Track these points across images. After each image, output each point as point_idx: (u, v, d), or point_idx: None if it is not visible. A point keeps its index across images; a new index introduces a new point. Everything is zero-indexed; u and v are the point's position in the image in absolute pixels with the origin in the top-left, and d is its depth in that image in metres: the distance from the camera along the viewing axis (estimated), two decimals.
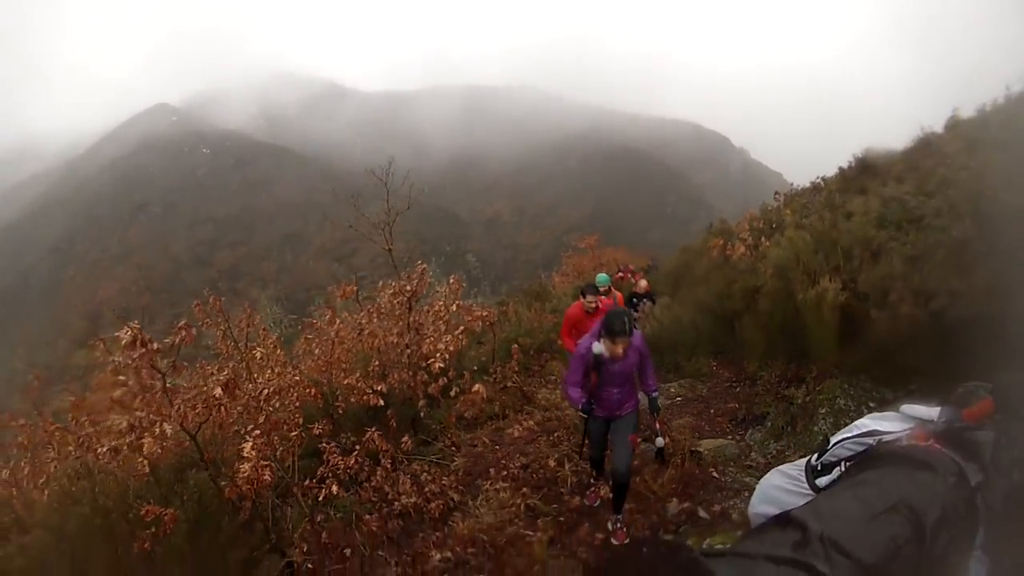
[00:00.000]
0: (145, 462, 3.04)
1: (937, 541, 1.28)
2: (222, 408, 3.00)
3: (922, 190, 4.99)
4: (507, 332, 9.20)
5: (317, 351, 5.57)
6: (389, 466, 4.24)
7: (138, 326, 2.90)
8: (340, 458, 3.72)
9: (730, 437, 5.02)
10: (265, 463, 2.84)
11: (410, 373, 5.32)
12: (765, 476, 1.88)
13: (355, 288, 6.27)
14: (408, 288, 5.56)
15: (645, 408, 4.18)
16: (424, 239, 77.41)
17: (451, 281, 6.56)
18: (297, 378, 4.34)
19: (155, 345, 3.02)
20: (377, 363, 5.28)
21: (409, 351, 5.46)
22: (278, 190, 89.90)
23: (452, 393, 5.31)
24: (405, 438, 4.54)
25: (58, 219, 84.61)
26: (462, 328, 5.79)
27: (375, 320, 5.69)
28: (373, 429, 3.98)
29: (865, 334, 4.36)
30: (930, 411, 1.64)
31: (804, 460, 1.79)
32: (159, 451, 3.09)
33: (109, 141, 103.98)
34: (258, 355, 5.29)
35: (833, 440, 1.73)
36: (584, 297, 5.68)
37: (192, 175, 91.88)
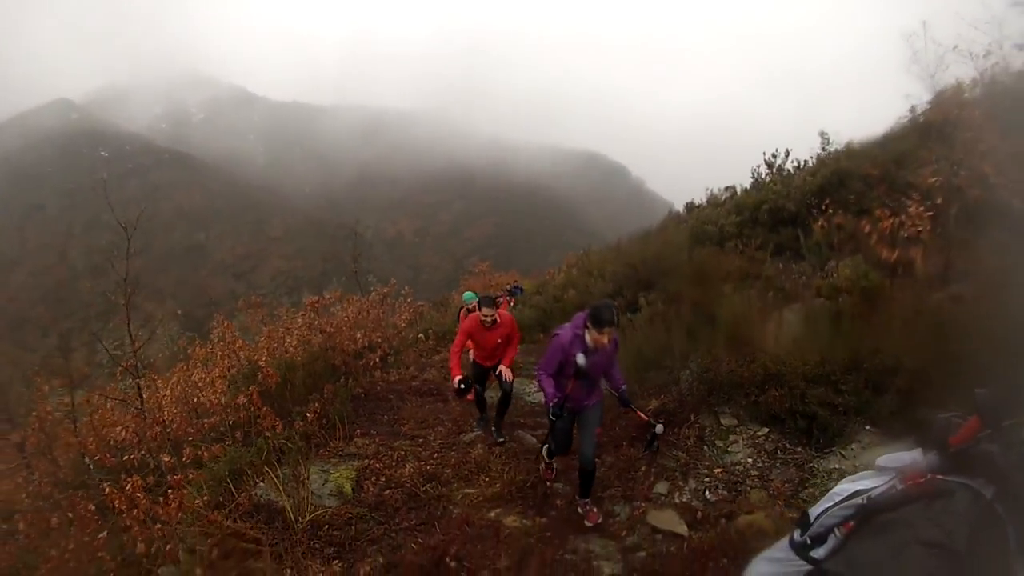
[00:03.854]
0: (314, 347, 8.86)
1: (976, 554, 1.47)
2: (345, 328, 8.89)
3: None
4: (423, 326, 15.11)
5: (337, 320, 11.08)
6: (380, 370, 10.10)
7: (315, 299, 8.72)
8: (368, 357, 9.54)
9: None
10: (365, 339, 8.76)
11: (384, 332, 11.15)
12: (748, 568, 2.17)
13: (318, 300, 12.00)
14: (384, 292, 11.47)
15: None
16: (326, 257, 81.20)
17: (404, 290, 12.47)
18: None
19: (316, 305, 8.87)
20: (370, 327, 11.05)
21: (382, 323, 11.31)
22: (178, 198, 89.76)
23: (411, 340, 11.22)
24: (390, 358, 10.39)
25: None
26: (409, 312, 11.74)
27: (366, 309, 11.45)
28: (378, 351, 9.83)
29: None
30: (909, 455, 1.86)
31: (784, 541, 2.07)
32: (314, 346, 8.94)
33: (2, 134, 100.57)
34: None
35: (813, 513, 1.97)
36: (480, 310, 6.10)
37: (90, 178, 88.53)
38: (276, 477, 5.00)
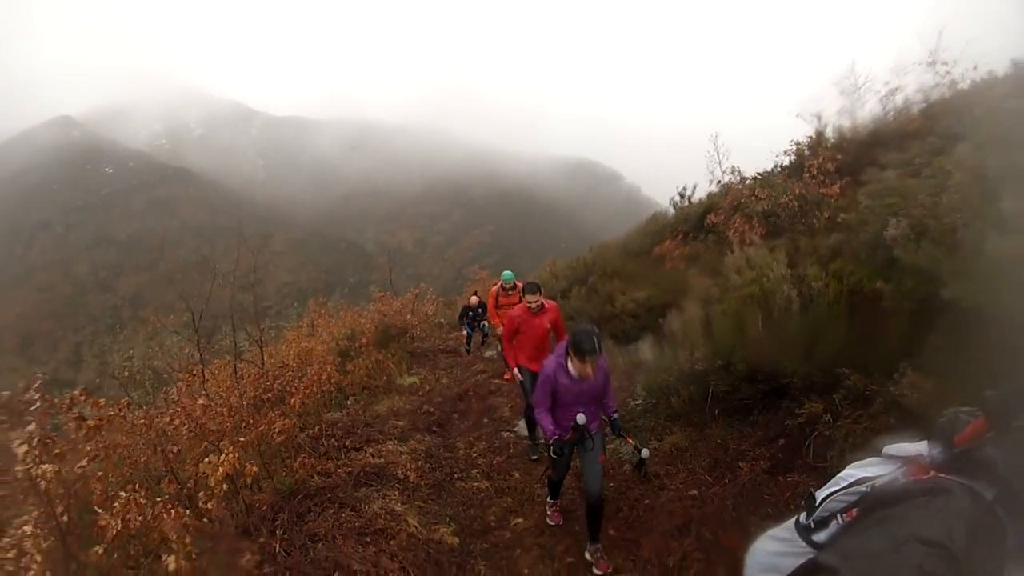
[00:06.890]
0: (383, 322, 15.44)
1: (973, 558, 1.46)
2: (396, 313, 15.41)
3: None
4: (439, 317, 21.65)
5: (392, 308, 17.48)
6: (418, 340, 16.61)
7: (381, 294, 15.25)
8: (411, 331, 16.02)
9: None
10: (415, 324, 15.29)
11: (417, 318, 17.63)
12: (754, 545, 2.16)
13: (383, 295, 18.52)
14: (416, 293, 18.01)
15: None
16: (327, 270, 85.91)
17: (429, 292, 19.03)
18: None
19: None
20: (410, 313, 17.48)
21: (416, 311, 17.81)
22: (183, 213, 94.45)
23: (435, 324, 17.72)
24: (423, 333, 16.88)
25: None
26: (434, 304, 18.29)
27: (402, 304, 17.88)
28: (417, 327, 16.29)
29: None
30: (916, 447, 1.89)
31: (791, 522, 2.10)
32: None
33: (5, 152, 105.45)
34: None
35: (820, 496, 2.01)
36: (524, 297, 6.13)
37: (95, 194, 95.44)
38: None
